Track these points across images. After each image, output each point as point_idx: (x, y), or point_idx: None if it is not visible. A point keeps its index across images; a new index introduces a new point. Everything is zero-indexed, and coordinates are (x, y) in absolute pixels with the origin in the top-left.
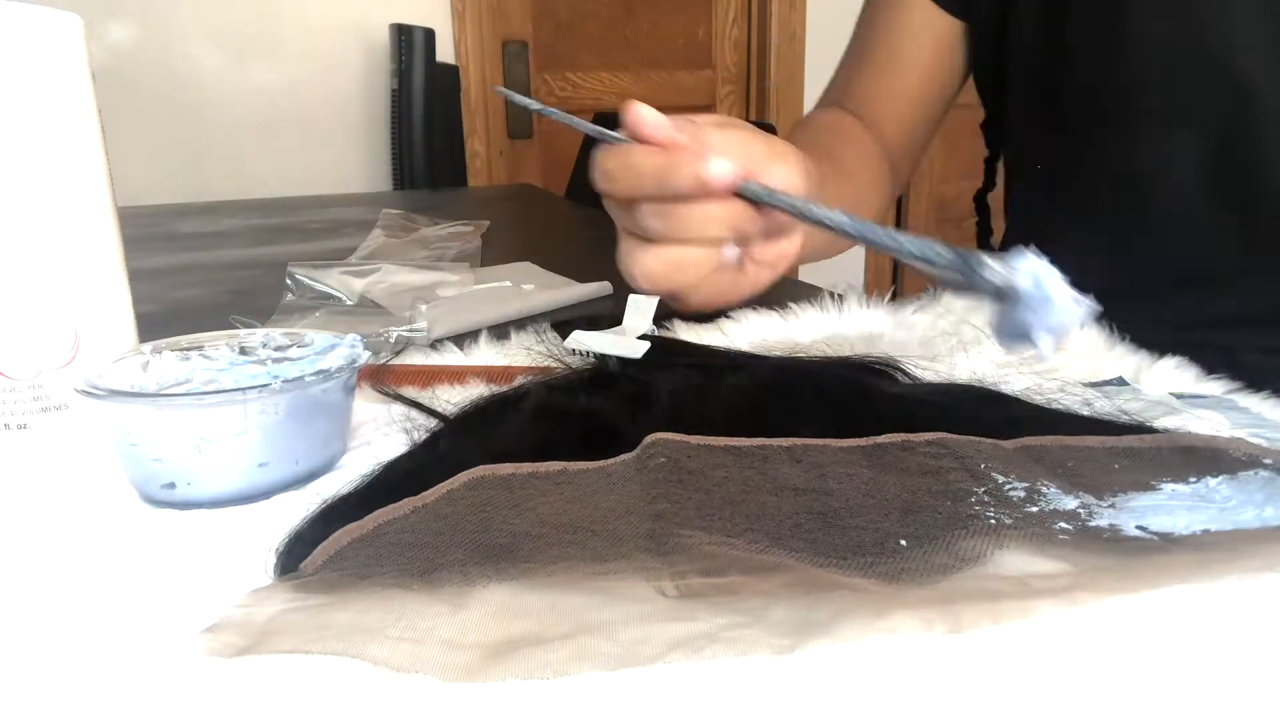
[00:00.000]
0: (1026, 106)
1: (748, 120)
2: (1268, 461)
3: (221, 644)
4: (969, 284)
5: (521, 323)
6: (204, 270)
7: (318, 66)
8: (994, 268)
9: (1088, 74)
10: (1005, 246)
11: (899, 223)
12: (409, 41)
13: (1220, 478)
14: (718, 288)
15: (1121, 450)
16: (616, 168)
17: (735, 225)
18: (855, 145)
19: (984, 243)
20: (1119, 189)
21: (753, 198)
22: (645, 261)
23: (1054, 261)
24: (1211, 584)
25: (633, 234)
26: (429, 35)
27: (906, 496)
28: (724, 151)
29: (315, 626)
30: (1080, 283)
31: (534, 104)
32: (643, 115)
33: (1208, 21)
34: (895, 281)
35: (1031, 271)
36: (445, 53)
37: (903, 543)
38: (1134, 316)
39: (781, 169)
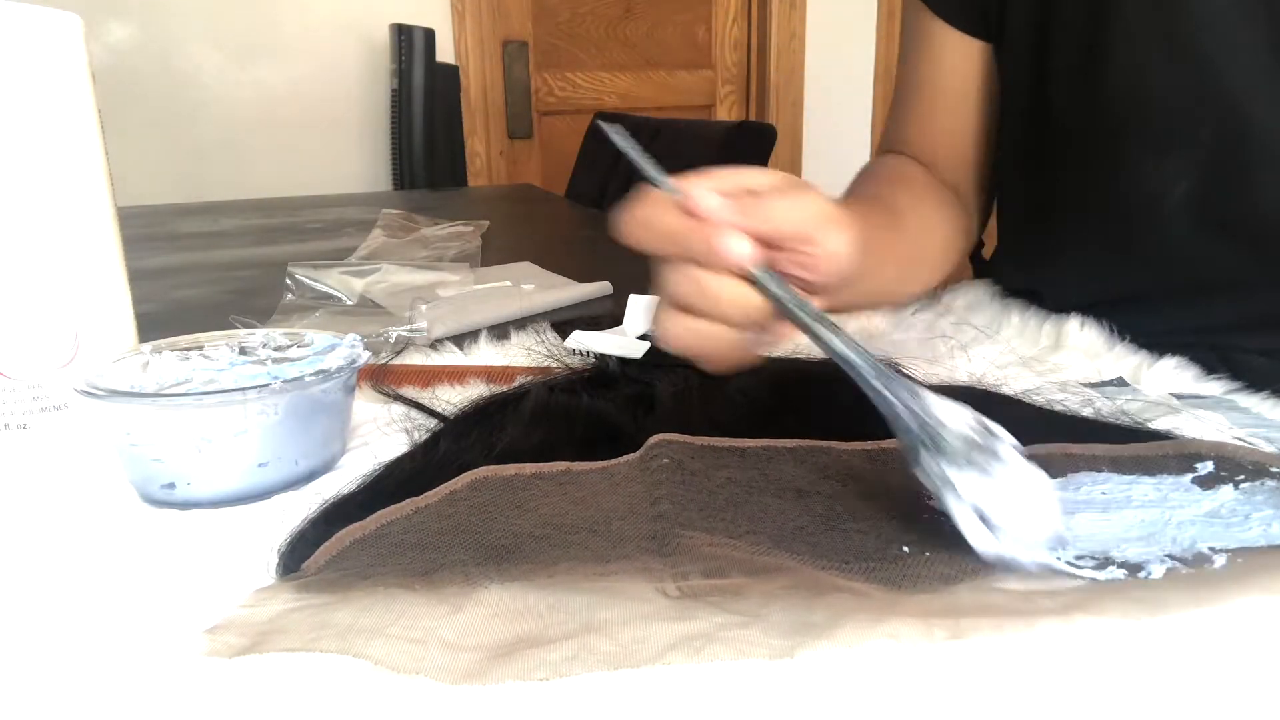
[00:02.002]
0: (1015, 127)
1: (747, 120)
2: (1275, 470)
3: (222, 644)
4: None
5: (521, 323)
6: (204, 270)
7: (318, 66)
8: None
9: (1073, 99)
10: (997, 263)
11: None
12: (409, 41)
13: (1229, 497)
14: (735, 358)
15: (1127, 460)
16: (643, 220)
17: (748, 311)
18: (917, 195)
19: (975, 258)
20: (1108, 212)
21: (762, 287)
22: (672, 327)
23: (1047, 274)
24: (1212, 608)
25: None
26: (429, 35)
27: (910, 502)
28: (783, 212)
29: (316, 626)
30: (1075, 293)
31: (628, 147)
32: (696, 195)
33: (1193, 44)
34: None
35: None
36: (445, 53)
37: (904, 549)
38: (1130, 322)
39: (835, 235)
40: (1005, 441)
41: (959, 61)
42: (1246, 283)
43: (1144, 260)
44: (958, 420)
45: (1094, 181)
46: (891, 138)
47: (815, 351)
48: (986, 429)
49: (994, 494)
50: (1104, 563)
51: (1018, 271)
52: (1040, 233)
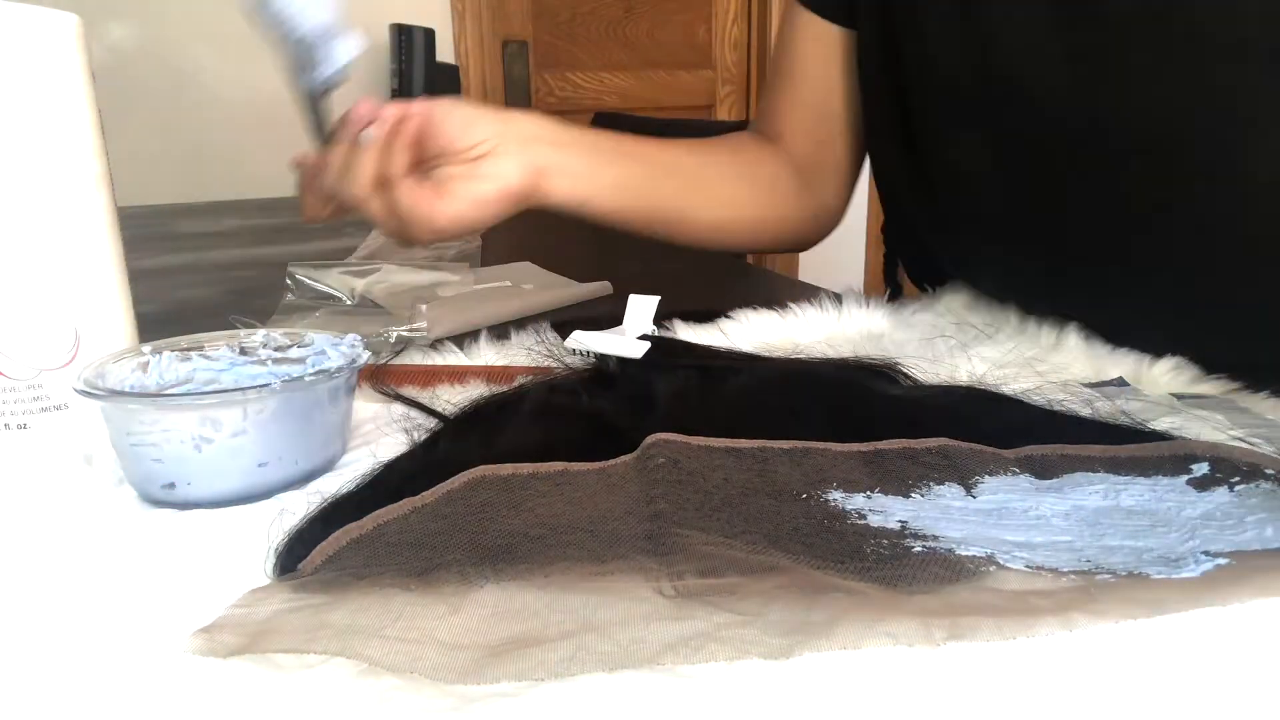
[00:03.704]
0: (876, 112)
1: (747, 120)
2: (1270, 472)
3: (216, 644)
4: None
5: (521, 323)
6: (204, 270)
7: None
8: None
9: (911, 75)
10: (933, 272)
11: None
12: (409, 41)
13: (1224, 499)
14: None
15: (1123, 461)
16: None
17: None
18: (717, 153)
19: (891, 277)
20: (949, 193)
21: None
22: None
23: (994, 272)
24: (1210, 608)
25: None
26: (429, 35)
27: (907, 505)
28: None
29: (312, 626)
30: (987, 282)
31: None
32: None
33: (975, 19)
34: (894, 282)
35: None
36: (445, 53)
37: (901, 550)
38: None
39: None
40: None
41: (818, 48)
42: (1102, 268)
43: (1014, 244)
44: None
45: (932, 158)
46: (757, 120)
47: (816, 352)
48: None
49: None
50: (1096, 568)
51: (932, 263)
52: (945, 235)
